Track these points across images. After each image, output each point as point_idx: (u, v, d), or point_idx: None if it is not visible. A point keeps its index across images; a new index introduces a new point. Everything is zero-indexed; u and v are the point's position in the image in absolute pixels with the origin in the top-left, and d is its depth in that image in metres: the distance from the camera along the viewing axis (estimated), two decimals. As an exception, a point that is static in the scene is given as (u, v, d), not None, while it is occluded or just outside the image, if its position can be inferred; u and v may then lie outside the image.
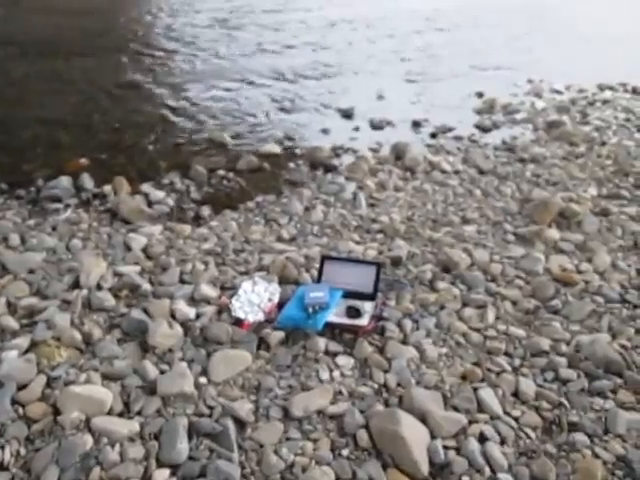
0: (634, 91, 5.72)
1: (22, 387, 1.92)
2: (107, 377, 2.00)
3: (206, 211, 3.31)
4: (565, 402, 1.94)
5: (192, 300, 2.43)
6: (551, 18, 9.15)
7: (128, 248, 2.83)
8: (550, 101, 5.42)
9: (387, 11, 8.97)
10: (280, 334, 2.22)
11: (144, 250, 2.83)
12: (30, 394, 1.91)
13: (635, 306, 2.46)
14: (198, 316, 2.32)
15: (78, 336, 2.16)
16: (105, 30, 7.41)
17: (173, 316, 2.30)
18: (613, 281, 2.62)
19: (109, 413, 1.86)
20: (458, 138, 4.51)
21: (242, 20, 8.21)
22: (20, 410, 1.85)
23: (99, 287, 2.49)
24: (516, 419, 1.88)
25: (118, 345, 2.16)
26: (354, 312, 2.34)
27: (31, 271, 2.60)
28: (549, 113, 5.07)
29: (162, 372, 2.03)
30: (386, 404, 1.94)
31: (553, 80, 5.94)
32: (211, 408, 1.90)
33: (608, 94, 5.64)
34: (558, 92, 5.71)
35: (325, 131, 4.63)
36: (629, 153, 4.14)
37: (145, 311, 2.32)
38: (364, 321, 2.30)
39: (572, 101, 5.41)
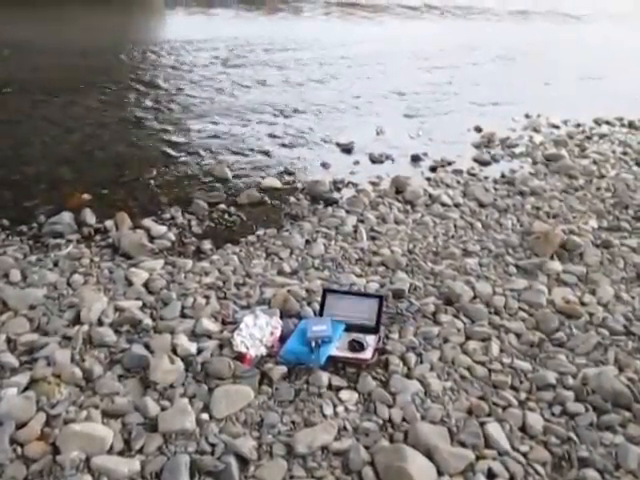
0: (630, 125, 5.80)
1: (21, 426, 1.89)
2: (108, 414, 1.97)
3: (207, 245, 3.31)
4: (574, 437, 1.90)
5: (193, 335, 2.41)
6: (546, 55, 9.33)
7: (129, 283, 2.83)
8: (548, 135, 5.49)
9: (384, 49, 9.15)
10: (282, 368, 2.20)
11: (145, 285, 2.82)
12: (29, 433, 1.87)
13: (641, 338, 2.44)
14: (199, 351, 2.30)
15: (78, 372, 2.14)
16: (107, 68, 7.55)
17: (174, 351, 2.28)
18: (617, 313, 2.61)
19: (109, 452, 1.83)
20: (457, 172, 4.55)
21: (242, 58, 8.37)
22: (19, 450, 1.82)
23: (100, 322, 2.47)
24: (524, 455, 1.85)
25: (119, 381, 2.14)
26: (357, 345, 2.32)
27: (32, 307, 2.59)
28: (547, 147, 5.13)
29: (163, 409, 2.00)
30: (391, 440, 1.91)
31: (550, 115, 6.02)
32: (213, 445, 1.86)
33: (605, 128, 5.71)
34: (555, 126, 5.78)
35: (325, 165, 4.67)
36: (628, 186, 4.16)
37: (146, 346, 2.30)
38: (367, 355, 2.28)
39: (569, 135, 5.47)
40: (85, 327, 2.42)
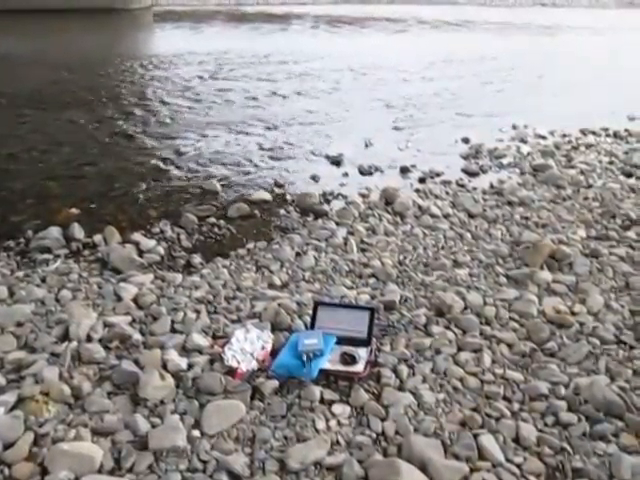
0: (615, 135, 5.88)
1: (8, 446, 1.85)
2: (97, 432, 1.94)
3: (197, 259, 3.29)
4: (568, 447, 1.90)
5: (184, 350, 2.39)
6: (531, 67, 9.45)
7: (119, 298, 2.80)
8: (535, 146, 5.54)
9: (372, 62, 9.23)
10: (274, 383, 2.18)
11: (135, 299, 2.79)
12: (17, 453, 1.84)
13: (631, 347, 2.44)
14: (190, 366, 2.27)
15: (67, 390, 2.10)
16: (95, 82, 7.55)
17: (165, 367, 2.25)
18: (607, 322, 2.62)
19: (99, 471, 1.79)
20: (446, 183, 4.57)
21: (231, 72, 8.41)
22: (6, 471, 1.78)
23: (89, 338, 2.44)
24: (519, 466, 1.84)
25: (108, 398, 2.10)
26: (349, 358, 2.30)
27: (19, 324, 2.55)
28: (535, 157, 5.18)
29: (154, 426, 1.97)
30: (385, 453, 1.89)
31: (537, 125, 6.09)
32: (205, 462, 1.83)
33: (591, 138, 5.78)
34: (542, 137, 5.84)
35: (314, 178, 4.68)
36: (615, 195, 4.20)
37: (136, 362, 2.27)
38: (359, 367, 2.27)
39: (556, 145, 5.53)
40: (74, 343, 2.38)
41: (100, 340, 2.44)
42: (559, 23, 14.61)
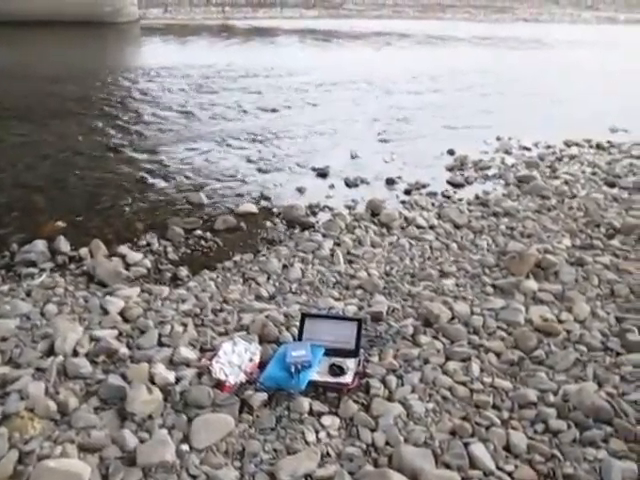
0: (598, 147, 5.96)
1: (-8, 464, 1.82)
2: (84, 449, 1.91)
3: (184, 272, 3.28)
4: (558, 454, 1.91)
5: (171, 363, 2.37)
6: (515, 80, 9.57)
7: (105, 311, 2.77)
8: (519, 157, 5.61)
9: (358, 76, 9.30)
10: (263, 395, 2.17)
11: (121, 313, 2.77)
12: (1, 472, 1.80)
13: (618, 353, 2.47)
14: (178, 380, 2.25)
15: (53, 406, 2.07)
16: (82, 95, 7.51)
17: (152, 381, 2.22)
18: (594, 329, 2.64)
19: (86, 488, 1.76)
20: (432, 194, 4.61)
21: (217, 85, 8.43)
22: (-10, 489, 1.75)
23: (75, 353, 2.41)
24: (510, 474, 1.84)
25: (95, 414, 2.07)
26: (337, 370, 2.30)
27: (3, 339, 2.51)
28: (519, 168, 5.23)
29: (142, 441, 1.95)
30: (376, 464, 1.88)
31: (521, 137, 6.16)
32: (194, 477, 1.82)
33: (574, 150, 5.85)
34: (526, 149, 5.91)
35: (301, 190, 4.68)
36: (598, 205, 4.26)
37: (123, 376, 2.25)
38: (348, 379, 2.26)
39: (540, 157, 5.60)
40: (59, 358, 2.35)
41: (86, 354, 2.41)
42: (541, 38, 14.85)
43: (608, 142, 6.08)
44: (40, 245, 3.42)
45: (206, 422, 2.03)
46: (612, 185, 4.77)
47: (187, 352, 2.42)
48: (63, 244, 3.48)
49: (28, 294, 2.95)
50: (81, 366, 2.31)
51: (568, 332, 2.62)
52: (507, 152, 5.78)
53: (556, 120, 7.05)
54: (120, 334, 2.59)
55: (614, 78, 9.86)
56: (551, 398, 2.17)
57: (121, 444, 1.92)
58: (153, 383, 2.20)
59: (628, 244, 3.59)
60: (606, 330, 2.64)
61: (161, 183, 4.72)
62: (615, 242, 3.62)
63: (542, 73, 10.21)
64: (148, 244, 3.61)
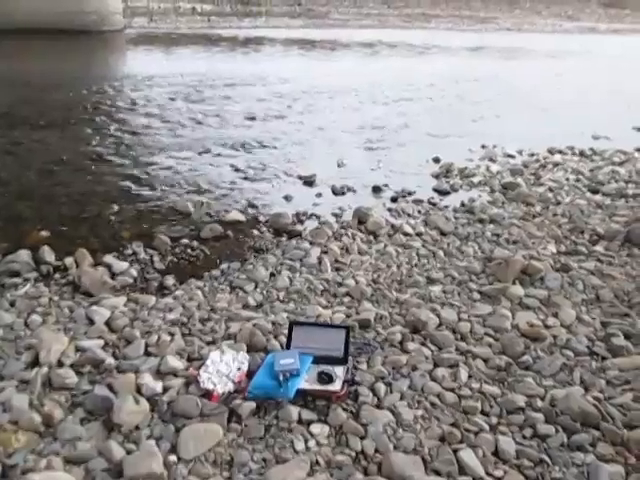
0: (581, 154, 6.04)
1: (-25, 479, 1.79)
2: (70, 461, 1.88)
3: (170, 280, 3.25)
4: (547, 459, 1.91)
5: (158, 373, 2.34)
6: (500, 90, 9.68)
7: (91, 321, 2.74)
8: (504, 165, 5.66)
9: (343, 85, 9.35)
10: (251, 404, 2.15)
11: (107, 323, 2.74)
12: (-17, 486, 1.77)
13: (603, 358, 2.49)
14: (165, 390, 2.23)
15: (37, 418, 2.04)
16: (68, 103, 7.47)
17: (139, 391, 2.21)
18: (580, 334, 2.67)
19: (72, 501, 1.74)
20: (418, 202, 4.63)
21: (203, 94, 8.42)
22: (-28, 504, 1.71)
23: (60, 364, 2.38)
24: (499, 479, 1.84)
25: (81, 425, 2.05)
26: (326, 377, 2.29)
27: (-14, 350, 2.47)
28: (504, 176, 5.28)
29: (129, 452, 1.93)
30: (365, 472, 1.88)
31: (505, 145, 6.22)
32: (182, 488, 1.79)
33: (558, 157, 5.92)
34: (511, 156, 5.97)
35: (287, 198, 4.69)
36: (582, 211, 4.31)
37: (109, 387, 2.22)
38: (337, 386, 2.26)
39: (525, 164, 5.66)
40: (44, 369, 2.32)
41: (72, 365, 2.38)
42: (524, 47, 15.05)
43: (591, 149, 6.17)
44: (24, 255, 3.38)
45: (194, 432, 2.01)
46: (595, 192, 4.83)
47: (174, 362, 2.40)
48: (47, 254, 3.44)
49: (12, 304, 2.91)
50: (66, 377, 2.28)
51: (554, 337, 2.65)
52: (492, 160, 5.83)
53: (539, 128, 7.14)
54: (106, 344, 2.56)
55: (595, 86, 10.02)
56: (539, 403, 2.19)
57: (107, 456, 1.90)
58: (140, 393, 2.18)
59: (612, 250, 3.64)
60: (592, 335, 2.67)
61: (147, 192, 4.70)
62: (599, 248, 3.66)
63: (525, 82, 10.34)
64: (134, 253, 3.58)
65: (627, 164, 5.63)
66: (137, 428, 2.04)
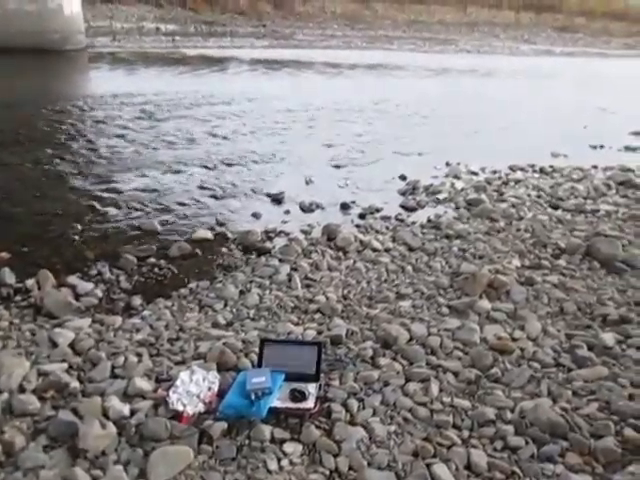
0: (541, 171, 6.21)
1: None
2: (32, 490, 1.81)
3: (137, 300, 3.20)
4: (518, 471, 1.93)
5: (126, 396, 2.30)
6: (462, 109, 9.90)
7: (54, 344, 2.67)
8: (468, 181, 5.77)
9: (310, 104, 9.42)
10: (222, 425, 2.12)
11: (72, 345, 2.67)
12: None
13: (569, 369, 2.54)
14: (133, 413, 2.18)
15: (-2, 446, 1.96)
16: (29, 123, 7.31)
17: (106, 415, 2.15)
18: (546, 346, 2.72)
19: (35, 532, 1.67)
20: (386, 218, 4.68)
21: (168, 112, 8.36)
22: None
23: (22, 389, 2.31)
24: (472, 494, 1.85)
25: (44, 453, 1.99)
26: (299, 395, 2.27)
27: (-57, 377, 2.37)
28: (468, 192, 5.38)
29: (95, 479, 1.87)
30: (339, 490, 1.86)
31: (469, 162, 6.35)
32: (151, 513, 1.74)
33: (519, 174, 6.07)
34: (474, 173, 6.09)
35: (256, 215, 4.68)
36: (544, 226, 4.42)
37: (74, 412, 2.16)
38: (309, 404, 2.24)
39: (488, 181, 5.78)
40: (4, 395, 2.25)
41: (34, 390, 2.31)
42: (482, 68, 15.46)
43: (550, 167, 6.34)
44: (-17, 277, 3.28)
45: (164, 455, 1.96)
46: (556, 207, 4.96)
47: (142, 383, 2.35)
48: (8, 275, 3.34)
49: (-30, 329, 2.81)
50: (28, 403, 2.21)
51: (522, 350, 2.69)
52: (456, 177, 5.94)
53: (501, 146, 7.32)
54: (70, 367, 2.50)
55: (552, 106, 10.34)
56: (508, 415, 2.21)
57: (73, 483, 1.83)
58: (106, 417, 2.13)
59: (573, 263, 3.73)
60: (557, 347, 2.72)
61: (112, 211, 4.62)
62: (561, 261, 3.75)
63: (485, 101, 10.60)
64: (99, 273, 3.51)
65: (585, 180, 5.81)
66: (104, 453, 1.98)
